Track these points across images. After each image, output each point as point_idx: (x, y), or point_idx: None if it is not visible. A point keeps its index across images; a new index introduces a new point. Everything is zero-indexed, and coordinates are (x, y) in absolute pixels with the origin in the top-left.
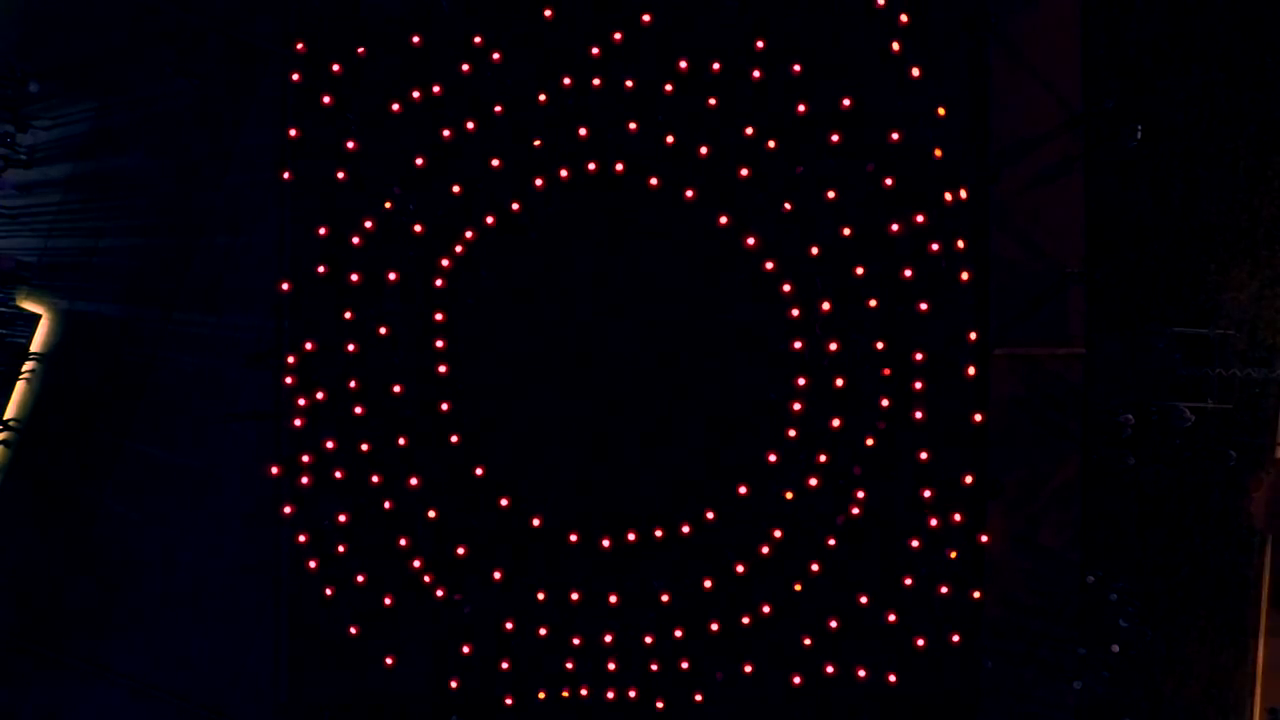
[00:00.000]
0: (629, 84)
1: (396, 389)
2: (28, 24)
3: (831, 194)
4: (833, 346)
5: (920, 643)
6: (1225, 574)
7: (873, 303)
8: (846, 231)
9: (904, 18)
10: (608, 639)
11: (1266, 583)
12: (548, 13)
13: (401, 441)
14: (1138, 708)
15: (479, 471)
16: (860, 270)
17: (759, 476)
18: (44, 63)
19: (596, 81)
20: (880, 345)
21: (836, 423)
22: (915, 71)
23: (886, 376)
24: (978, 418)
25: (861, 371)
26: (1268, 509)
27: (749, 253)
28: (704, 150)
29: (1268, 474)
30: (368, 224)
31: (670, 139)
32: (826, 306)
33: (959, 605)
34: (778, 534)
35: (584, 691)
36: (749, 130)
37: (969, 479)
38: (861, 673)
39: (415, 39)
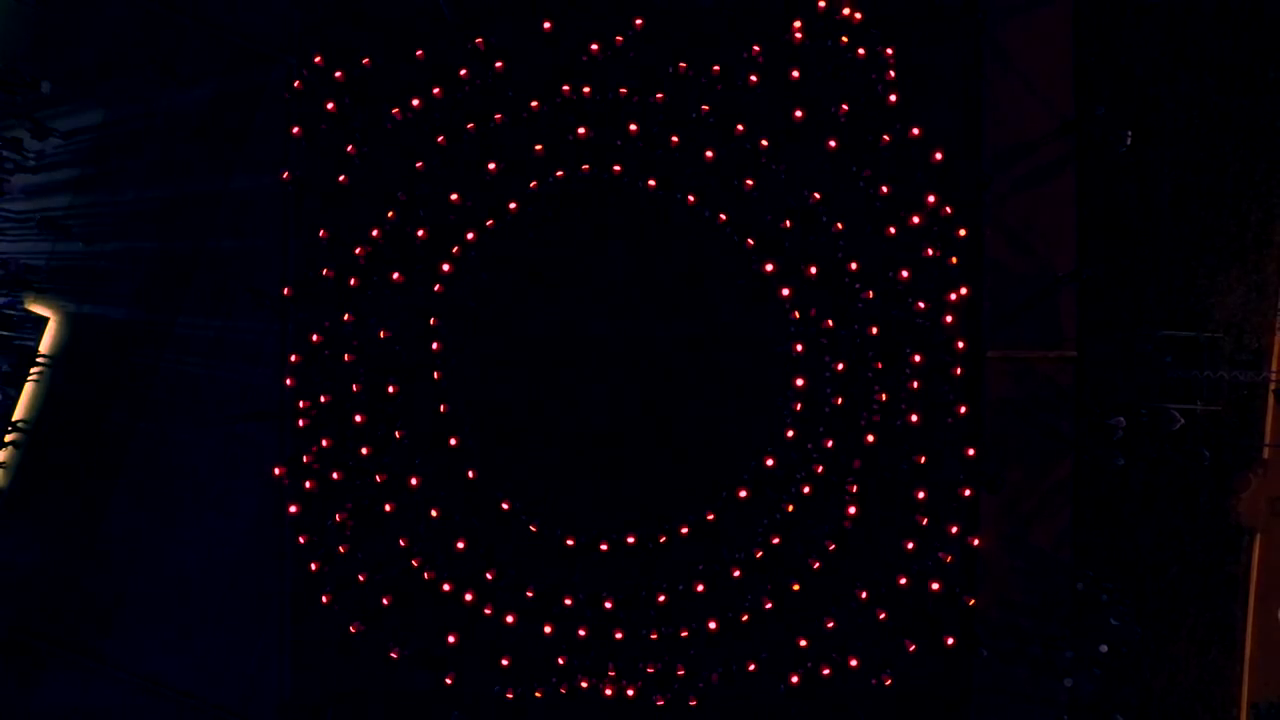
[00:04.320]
0: (627, 89)
1: (391, 389)
2: (37, 31)
3: (817, 195)
4: (838, 366)
5: (912, 648)
6: (1213, 573)
7: (870, 312)
8: (841, 227)
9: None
10: (607, 639)
11: (1254, 581)
12: (546, 25)
13: (402, 442)
14: (1128, 704)
15: (477, 475)
16: (854, 265)
17: (758, 479)
18: (52, 69)
19: (595, 86)
20: (876, 345)
21: (834, 425)
22: (892, 97)
23: (883, 379)
24: (962, 409)
25: (858, 376)
26: (1255, 509)
27: (748, 254)
28: (709, 154)
29: (1255, 474)
30: (370, 228)
31: (674, 139)
32: (829, 324)
33: (953, 606)
34: (775, 540)
35: (583, 685)
36: (749, 136)
37: (964, 477)
38: (854, 662)
39: (417, 46)
